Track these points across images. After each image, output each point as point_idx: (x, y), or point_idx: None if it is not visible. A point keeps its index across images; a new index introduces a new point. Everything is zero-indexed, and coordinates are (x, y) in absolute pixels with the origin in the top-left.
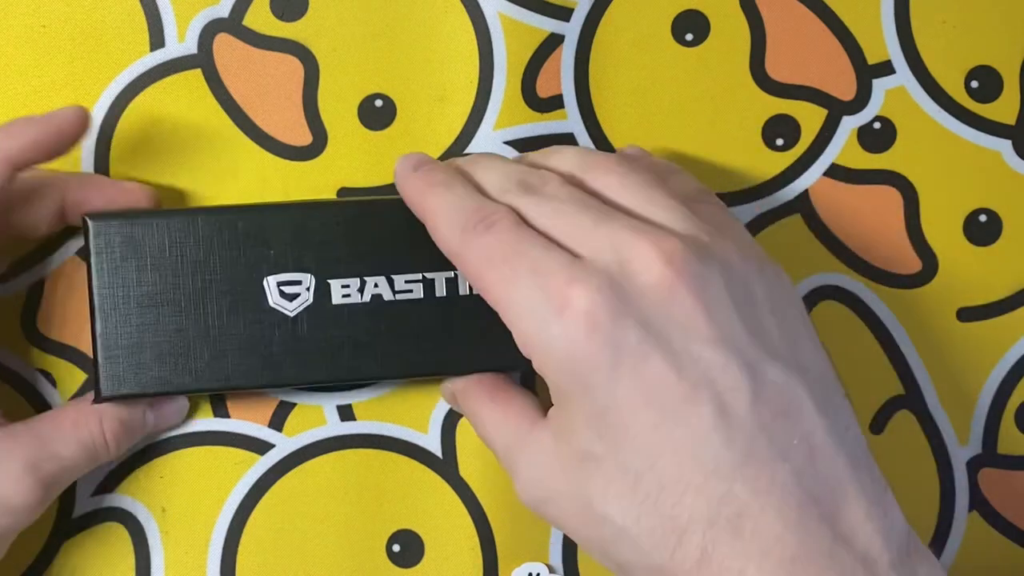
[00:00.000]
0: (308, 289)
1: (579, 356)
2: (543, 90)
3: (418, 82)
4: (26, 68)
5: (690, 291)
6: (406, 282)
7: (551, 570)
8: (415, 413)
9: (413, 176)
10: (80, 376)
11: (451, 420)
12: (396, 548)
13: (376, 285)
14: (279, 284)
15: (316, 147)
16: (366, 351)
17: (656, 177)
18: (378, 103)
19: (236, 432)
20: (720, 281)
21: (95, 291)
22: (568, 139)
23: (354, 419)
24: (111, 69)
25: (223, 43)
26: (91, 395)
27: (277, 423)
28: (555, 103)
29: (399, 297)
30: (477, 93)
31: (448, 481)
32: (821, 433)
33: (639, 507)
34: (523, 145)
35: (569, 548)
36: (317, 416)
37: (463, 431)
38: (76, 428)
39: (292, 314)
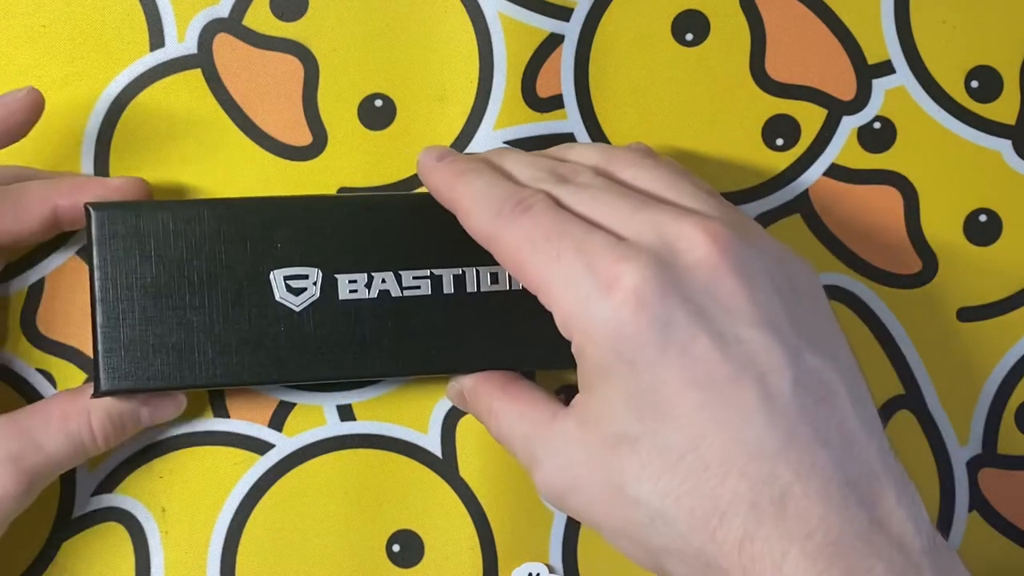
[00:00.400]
0: (315, 284)
1: (626, 333)
2: (543, 90)
3: (418, 82)
4: (26, 68)
5: (734, 271)
6: (414, 278)
7: (551, 570)
8: (415, 413)
9: (439, 166)
10: (80, 376)
11: (451, 420)
12: (396, 548)
13: (384, 281)
14: (286, 278)
15: (316, 147)
16: (372, 348)
17: (682, 168)
18: (378, 103)
19: (236, 432)
20: (761, 264)
21: (97, 282)
22: (568, 139)
23: (354, 419)
24: (111, 69)
25: (223, 43)
26: (84, 387)
27: (277, 423)
28: (555, 103)
29: (406, 293)
30: (477, 93)
31: (448, 481)
32: (854, 421)
33: (679, 487)
34: (523, 145)
35: (569, 548)
36: (317, 416)
37: (463, 431)
38: (63, 421)
39: (298, 309)
